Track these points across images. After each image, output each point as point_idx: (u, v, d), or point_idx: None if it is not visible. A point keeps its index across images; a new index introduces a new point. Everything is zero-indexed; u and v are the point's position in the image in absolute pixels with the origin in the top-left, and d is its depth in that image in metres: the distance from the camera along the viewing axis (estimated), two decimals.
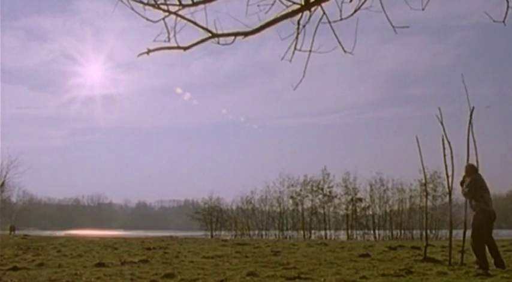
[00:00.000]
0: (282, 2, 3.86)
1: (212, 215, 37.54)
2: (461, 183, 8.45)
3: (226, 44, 4.05)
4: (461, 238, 8.89)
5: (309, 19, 3.98)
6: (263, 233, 36.18)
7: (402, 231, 33.48)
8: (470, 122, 8.68)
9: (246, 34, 3.99)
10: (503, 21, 3.72)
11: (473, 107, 8.71)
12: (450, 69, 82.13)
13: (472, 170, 8.27)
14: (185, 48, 4.11)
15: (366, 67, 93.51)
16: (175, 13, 3.91)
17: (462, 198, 8.99)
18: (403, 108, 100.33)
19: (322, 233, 34.92)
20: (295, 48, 4.08)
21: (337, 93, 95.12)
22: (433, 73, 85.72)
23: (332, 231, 35.30)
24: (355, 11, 3.84)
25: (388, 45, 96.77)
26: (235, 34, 4.01)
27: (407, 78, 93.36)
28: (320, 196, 35.49)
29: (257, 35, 4.03)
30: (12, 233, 37.46)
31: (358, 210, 35.05)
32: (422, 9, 3.79)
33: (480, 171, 8.40)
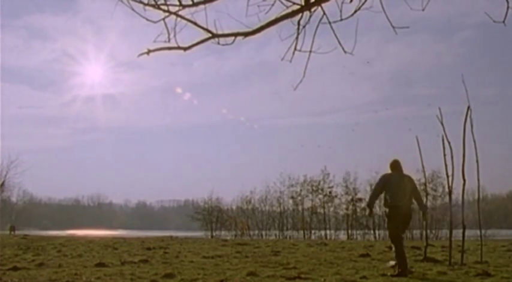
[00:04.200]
0: (282, 3, 3.87)
1: (212, 215, 37.52)
2: None
3: (227, 44, 4.06)
4: (461, 238, 8.89)
5: (309, 19, 3.99)
6: (263, 233, 36.18)
7: None
8: (465, 121, 8.69)
9: (246, 34, 4.00)
10: (503, 22, 3.72)
11: (469, 106, 8.72)
12: (453, 68, 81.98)
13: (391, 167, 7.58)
14: (185, 49, 4.12)
15: (368, 67, 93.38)
16: (175, 13, 3.92)
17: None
18: (405, 108, 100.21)
19: (322, 233, 34.91)
20: (295, 49, 4.08)
21: (338, 93, 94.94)
22: (436, 73, 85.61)
23: (332, 231, 35.29)
24: (355, 12, 3.84)
25: (390, 45, 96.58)
26: (235, 34, 4.01)
27: (409, 78, 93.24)
28: (320, 196, 35.53)
29: (259, 34, 4.04)
30: (12, 233, 37.41)
31: (358, 210, 35.06)
32: (422, 10, 3.80)
33: (480, 172, 8.41)
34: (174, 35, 3.99)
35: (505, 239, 21.87)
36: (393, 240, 7.23)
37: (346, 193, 35.07)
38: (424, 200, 8.98)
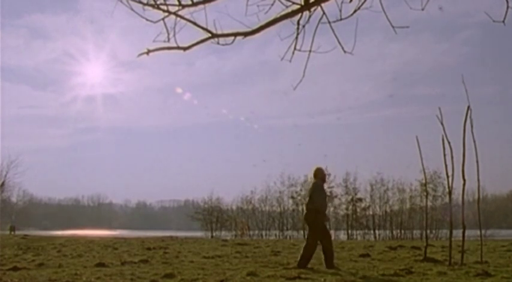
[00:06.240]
0: (281, 2, 3.87)
1: (212, 215, 37.53)
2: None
3: (226, 44, 4.06)
4: (461, 238, 8.88)
5: (308, 19, 3.99)
6: (263, 233, 36.19)
7: (402, 231, 33.49)
8: (465, 122, 8.68)
9: (245, 34, 4.00)
10: (503, 21, 3.72)
11: (469, 106, 8.71)
12: (455, 68, 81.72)
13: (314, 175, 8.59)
14: (185, 49, 4.12)
15: (370, 66, 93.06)
16: (175, 13, 3.92)
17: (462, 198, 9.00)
18: (407, 108, 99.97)
19: None
20: (295, 48, 4.08)
21: (339, 93, 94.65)
22: (437, 72, 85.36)
23: (332, 231, 35.29)
24: (355, 11, 3.84)
25: (392, 44, 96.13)
26: (235, 34, 4.01)
27: (411, 77, 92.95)
28: None
29: (259, 34, 4.04)
30: (12, 233, 37.37)
31: (358, 210, 35.07)
32: (422, 9, 3.79)
33: (480, 171, 8.40)
34: (174, 35, 3.99)
35: (505, 239, 21.86)
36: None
37: (346, 193, 35.05)
38: (424, 200, 9.15)
